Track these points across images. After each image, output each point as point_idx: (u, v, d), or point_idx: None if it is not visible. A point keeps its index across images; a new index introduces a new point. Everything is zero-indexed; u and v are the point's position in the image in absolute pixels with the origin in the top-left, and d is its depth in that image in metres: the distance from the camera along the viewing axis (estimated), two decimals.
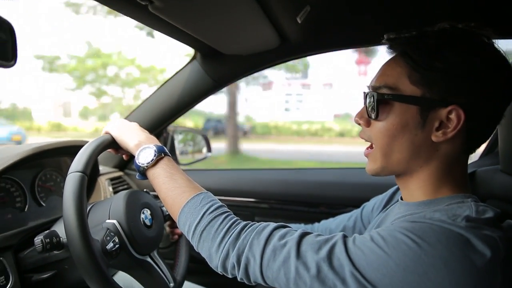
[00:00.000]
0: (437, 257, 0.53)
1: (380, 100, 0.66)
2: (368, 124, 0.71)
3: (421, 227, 0.56)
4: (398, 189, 0.90)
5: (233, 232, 0.66)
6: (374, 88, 0.68)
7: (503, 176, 0.85)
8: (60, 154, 1.14)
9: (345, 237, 0.61)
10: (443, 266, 0.52)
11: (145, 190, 0.99)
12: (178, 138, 1.63)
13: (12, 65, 0.64)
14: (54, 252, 0.80)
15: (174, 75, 1.31)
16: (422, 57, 0.63)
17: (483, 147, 1.32)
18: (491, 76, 0.62)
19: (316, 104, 25.10)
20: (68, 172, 0.74)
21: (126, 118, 1.41)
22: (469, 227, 0.56)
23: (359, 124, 0.73)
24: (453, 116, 0.62)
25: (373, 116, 0.68)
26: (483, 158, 1.30)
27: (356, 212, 1.03)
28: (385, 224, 0.75)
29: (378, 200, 0.96)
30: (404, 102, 0.65)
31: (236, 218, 0.70)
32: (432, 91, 0.63)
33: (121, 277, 0.95)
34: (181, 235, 1.10)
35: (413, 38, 0.65)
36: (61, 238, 0.78)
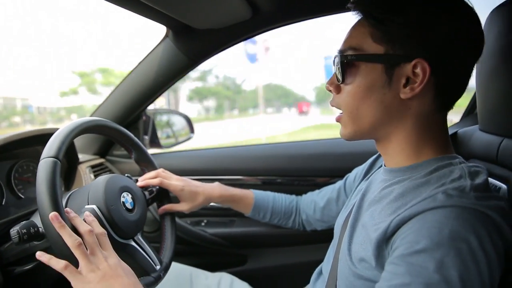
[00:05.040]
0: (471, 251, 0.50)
1: (345, 62, 0.65)
2: (338, 90, 0.69)
3: (433, 226, 0.52)
4: (378, 156, 0.90)
5: None
6: (340, 51, 0.67)
7: (481, 134, 0.85)
8: (33, 144, 1.10)
9: None
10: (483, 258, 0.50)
11: (126, 175, 0.97)
12: (159, 120, 1.60)
13: None
14: (34, 242, 0.78)
15: (147, 56, 1.26)
16: (384, 14, 0.61)
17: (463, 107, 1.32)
18: (455, 28, 0.60)
19: None
20: (40, 159, 0.72)
21: (102, 103, 1.37)
22: (480, 198, 0.54)
23: (330, 91, 0.71)
24: (418, 70, 0.60)
25: (340, 80, 0.66)
26: (465, 119, 1.31)
27: (339, 184, 1.05)
28: (371, 191, 0.73)
29: (359, 170, 0.97)
30: (367, 61, 0.63)
31: None
32: (394, 47, 0.61)
33: None
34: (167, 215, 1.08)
35: None
36: (39, 228, 0.76)
